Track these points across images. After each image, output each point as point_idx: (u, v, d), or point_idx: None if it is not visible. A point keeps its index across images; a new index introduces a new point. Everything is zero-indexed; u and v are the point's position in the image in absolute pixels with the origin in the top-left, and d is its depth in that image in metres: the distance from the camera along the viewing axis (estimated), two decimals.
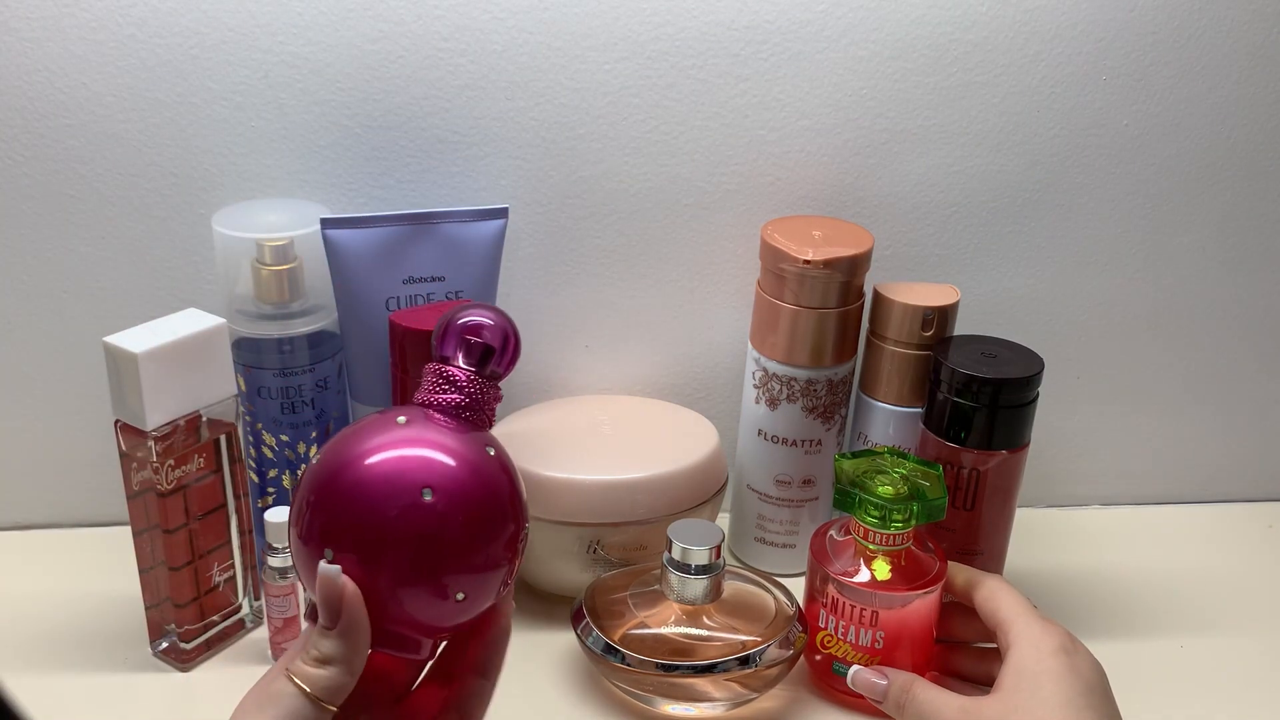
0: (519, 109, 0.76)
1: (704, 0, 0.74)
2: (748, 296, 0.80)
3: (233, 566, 0.71)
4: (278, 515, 0.67)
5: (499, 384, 0.49)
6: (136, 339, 0.63)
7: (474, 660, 0.49)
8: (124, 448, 0.65)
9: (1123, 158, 0.81)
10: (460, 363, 0.48)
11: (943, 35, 0.77)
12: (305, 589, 0.45)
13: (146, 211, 0.75)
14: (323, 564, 0.43)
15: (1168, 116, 0.80)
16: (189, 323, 0.65)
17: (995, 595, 0.65)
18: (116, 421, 0.65)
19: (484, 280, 0.75)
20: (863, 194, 0.81)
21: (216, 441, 0.68)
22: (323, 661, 0.43)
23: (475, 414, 0.47)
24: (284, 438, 0.73)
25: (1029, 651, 0.59)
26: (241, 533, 0.71)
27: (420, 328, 0.67)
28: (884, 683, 0.64)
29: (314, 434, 0.74)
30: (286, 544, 0.67)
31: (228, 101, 0.73)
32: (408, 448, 0.45)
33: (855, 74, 0.77)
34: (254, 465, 0.74)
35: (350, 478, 0.44)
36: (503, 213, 0.75)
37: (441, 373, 0.48)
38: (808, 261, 0.72)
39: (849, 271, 0.73)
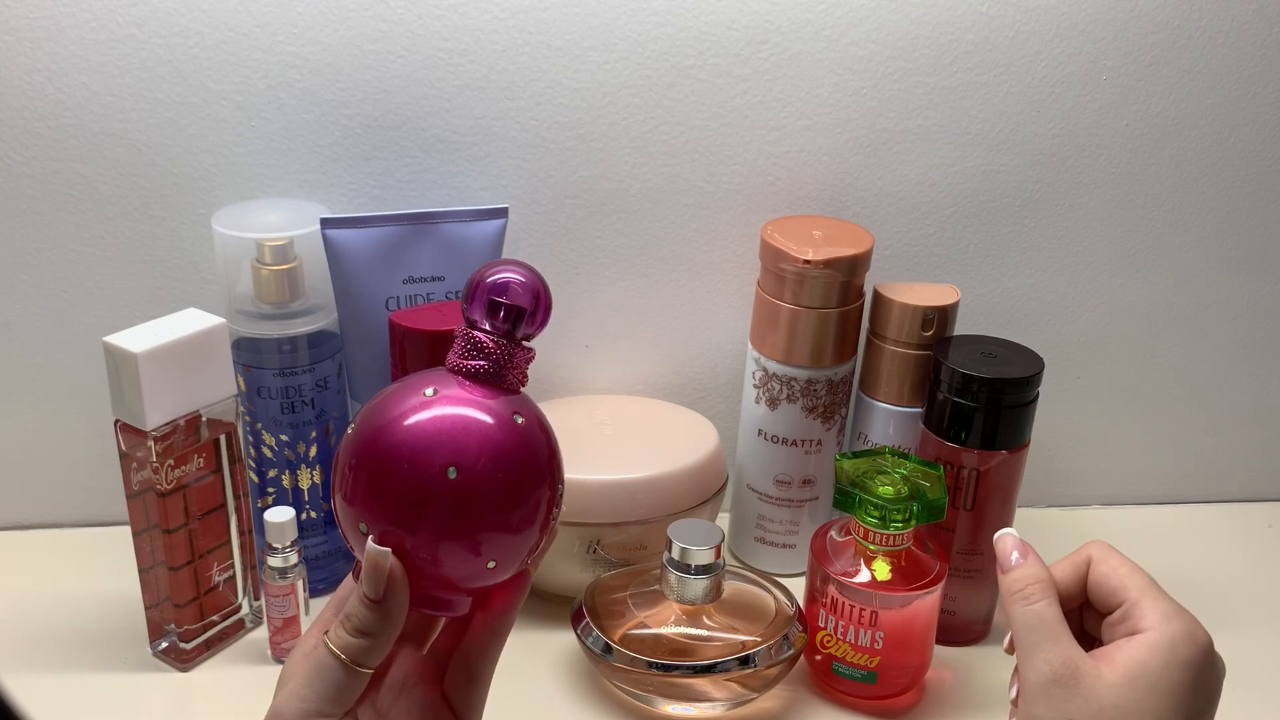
0: (519, 109, 0.76)
1: (704, 0, 0.74)
2: (748, 296, 0.80)
3: (232, 566, 0.71)
4: (278, 515, 0.67)
5: (530, 343, 0.48)
6: (136, 339, 0.63)
7: (491, 614, 0.49)
8: (124, 448, 0.65)
9: (1123, 158, 0.81)
10: (487, 326, 0.47)
11: (943, 35, 0.77)
12: (351, 548, 0.47)
13: (146, 211, 0.75)
14: (371, 543, 0.45)
15: (1168, 116, 0.80)
16: (189, 323, 0.65)
17: (1117, 570, 0.54)
18: (116, 421, 0.65)
19: None
20: (863, 194, 0.81)
21: (216, 441, 0.68)
22: (361, 633, 0.45)
23: (502, 379, 0.47)
24: (284, 438, 0.73)
25: (1162, 654, 0.50)
26: (241, 533, 0.71)
27: (420, 328, 0.67)
28: (1014, 559, 0.55)
29: (314, 434, 0.74)
30: (286, 543, 0.68)
31: (228, 101, 0.73)
32: (439, 416, 0.45)
33: (855, 74, 0.77)
34: (254, 465, 0.74)
35: (387, 441, 0.45)
36: (503, 213, 0.75)
37: (469, 338, 0.47)
38: (808, 261, 0.72)
39: (849, 271, 0.73)
